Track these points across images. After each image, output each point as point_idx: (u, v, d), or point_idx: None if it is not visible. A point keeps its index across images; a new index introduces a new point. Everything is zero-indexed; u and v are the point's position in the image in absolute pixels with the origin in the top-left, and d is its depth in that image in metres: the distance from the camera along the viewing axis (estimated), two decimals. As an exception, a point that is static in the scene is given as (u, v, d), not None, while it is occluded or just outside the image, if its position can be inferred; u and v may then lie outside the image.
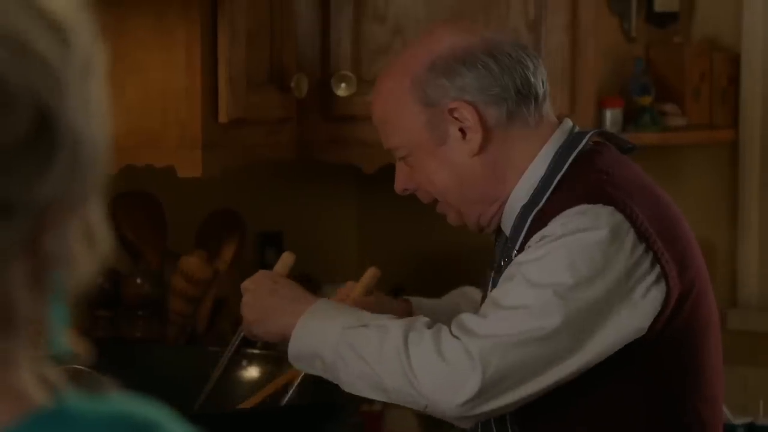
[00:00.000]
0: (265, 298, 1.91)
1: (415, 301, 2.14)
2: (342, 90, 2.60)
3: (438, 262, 3.18)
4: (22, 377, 0.76)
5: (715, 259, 3.18)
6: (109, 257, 0.77)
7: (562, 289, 1.73)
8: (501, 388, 1.73)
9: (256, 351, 2.23)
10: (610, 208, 1.76)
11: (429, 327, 1.78)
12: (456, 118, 1.86)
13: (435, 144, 1.88)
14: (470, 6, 2.65)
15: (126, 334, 2.56)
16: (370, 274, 2.07)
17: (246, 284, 1.95)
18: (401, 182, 1.96)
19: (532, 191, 1.84)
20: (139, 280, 2.58)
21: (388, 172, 2.70)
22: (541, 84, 1.88)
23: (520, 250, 1.82)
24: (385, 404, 2.75)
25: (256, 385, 2.15)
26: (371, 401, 2.67)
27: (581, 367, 1.75)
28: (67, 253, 0.76)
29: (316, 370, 1.83)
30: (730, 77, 3.13)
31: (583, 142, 1.87)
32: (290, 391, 2.06)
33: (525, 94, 1.86)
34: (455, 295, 2.18)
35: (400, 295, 3.13)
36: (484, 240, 3.04)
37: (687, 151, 3.18)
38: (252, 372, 2.20)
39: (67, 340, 0.77)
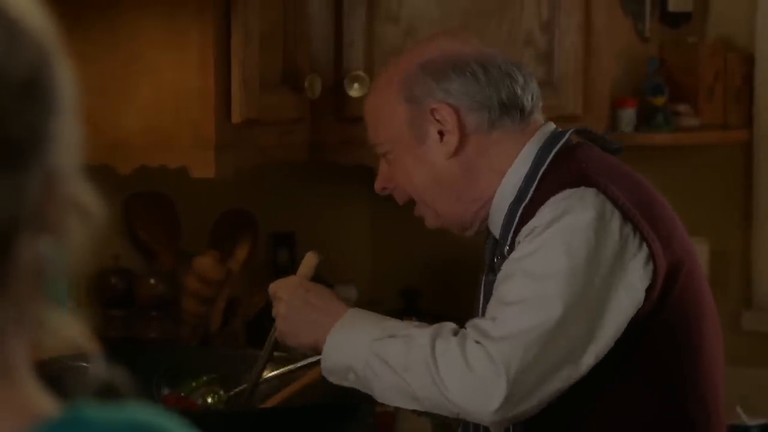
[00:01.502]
0: (298, 310, 1.91)
1: None
2: (355, 91, 2.60)
3: (450, 263, 3.18)
4: (26, 385, 0.75)
5: (729, 260, 3.17)
6: (105, 232, 0.78)
7: (562, 277, 1.74)
8: (527, 389, 1.73)
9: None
10: (592, 190, 1.78)
11: (455, 333, 1.78)
12: (437, 120, 1.89)
13: (415, 142, 1.91)
14: (484, 7, 2.65)
15: (139, 334, 2.56)
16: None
17: (278, 292, 1.94)
18: (381, 181, 1.98)
19: (516, 190, 1.86)
20: (152, 281, 2.59)
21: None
22: (529, 98, 1.90)
23: (512, 245, 1.83)
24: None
25: (263, 385, 2.16)
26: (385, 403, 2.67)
27: (598, 354, 1.75)
28: (65, 225, 0.77)
29: (350, 383, 1.84)
30: (744, 77, 3.12)
31: (564, 138, 1.89)
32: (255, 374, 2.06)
33: (509, 106, 1.89)
34: None
35: (412, 296, 3.14)
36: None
37: (700, 152, 3.18)
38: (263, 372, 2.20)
39: (66, 317, 0.77)
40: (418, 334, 1.79)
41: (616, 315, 1.76)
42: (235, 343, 2.61)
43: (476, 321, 1.78)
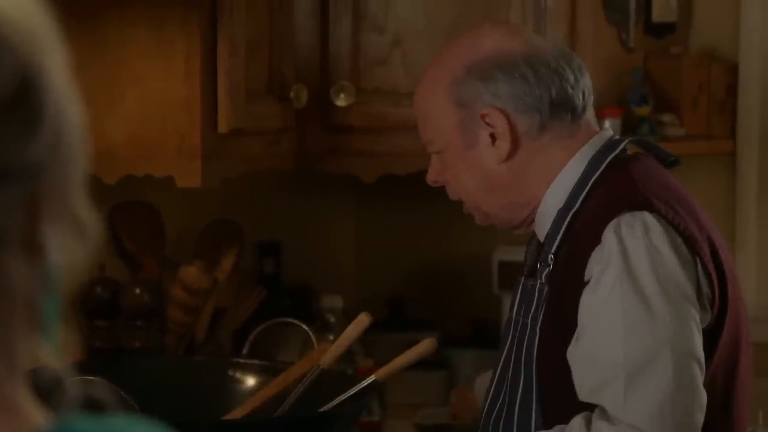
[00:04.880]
0: None
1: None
2: (341, 100, 2.60)
3: (436, 272, 3.18)
4: (20, 395, 0.75)
5: (713, 270, 3.18)
6: (99, 248, 0.77)
7: (652, 322, 1.73)
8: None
9: (247, 361, 2.24)
10: (654, 215, 1.76)
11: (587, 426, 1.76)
12: (487, 123, 1.87)
13: (465, 146, 1.89)
14: (470, 17, 2.65)
15: (125, 344, 2.56)
16: (361, 321, 2.09)
17: None
18: (433, 174, 1.96)
19: (566, 196, 1.84)
20: (137, 290, 2.58)
21: (386, 182, 2.70)
22: (580, 97, 1.87)
23: (556, 253, 1.82)
24: (383, 413, 2.76)
25: (248, 394, 2.16)
26: (370, 411, 2.68)
27: (702, 373, 1.76)
28: (60, 243, 0.75)
29: None
30: (728, 88, 3.13)
31: (620, 147, 1.87)
32: (288, 402, 2.07)
33: (560, 107, 1.86)
34: None
35: (397, 305, 3.13)
36: (482, 251, 3.04)
37: (685, 162, 3.18)
38: (248, 382, 2.20)
39: (57, 336, 0.77)
40: None
41: (699, 337, 1.76)
42: (221, 353, 2.60)
43: (598, 414, 1.74)
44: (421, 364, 2.17)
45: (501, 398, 1.91)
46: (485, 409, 1.95)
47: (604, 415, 1.74)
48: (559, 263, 1.83)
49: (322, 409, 2.01)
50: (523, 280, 1.92)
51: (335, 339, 2.24)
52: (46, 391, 0.77)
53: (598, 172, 1.84)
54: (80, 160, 0.77)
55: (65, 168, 0.76)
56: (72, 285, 0.77)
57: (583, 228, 1.81)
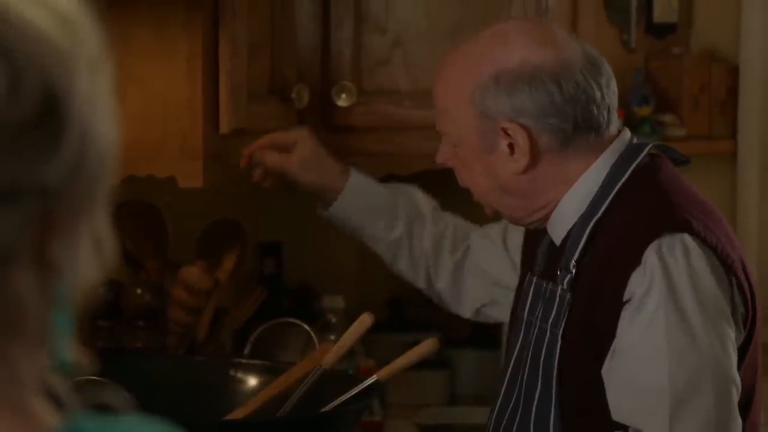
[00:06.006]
0: None
1: (356, 176, 2.20)
2: (342, 100, 2.61)
3: (437, 272, 3.18)
4: (30, 397, 0.75)
5: (714, 270, 3.18)
6: (113, 267, 0.77)
7: (695, 348, 1.73)
8: None
9: (249, 361, 2.24)
10: (688, 237, 1.76)
11: None
12: (508, 134, 1.84)
13: (483, 151, 1.87)
14: (471, 18, 2.65)
15: (126, 344, 2.56)
16: (363, 321, 2.10)
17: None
18: (442, 157, 1.94)
19: (587, 202, 1.83)
20: (139, 291, 2.58)
21: (387, 182, 2.70)
22: (605, 114, 1.84)
23: (579, 261, 1.81)
24: (384, 414, 2.76)
25: (250, 395, 2.16)
26: (371, 411, 2.68)
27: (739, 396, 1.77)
28: (74, 260, 0.75)
29: None
30: (728, 88, 3.14)
31: (642, 154, 1.85)
32: (290, 402, 2.07)
33: (584, 126, 1.83)
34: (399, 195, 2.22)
35: (398, 305, 3.14)
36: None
37: (686, 162, 3.19)
38: (249, 382, 2.20)
39: (71, 349, 0.77)
40: None
41: (735, 358, 1.77)
42: (222, 353, 2.60)
43: None
44: (421, 364, 2.17)
45: (513, 401, 1.90)
46: (496, 408, 1.94)
47: None
48: (586, 273, 1.81)
49: (323, 410, 2.01)
50: (535, 280, 1.90)
51: (336, 339, 2.24)
52: (57, 393, 0.77)
53: (623, 180, 1.83)
54: (105, 180, 0.76)
55: (86, 188, 0.75)
56: (84, 300, 0.77)
57: (618, 243, 1.78)
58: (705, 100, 3.10)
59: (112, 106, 0.77)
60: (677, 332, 1.73)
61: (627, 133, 1.89)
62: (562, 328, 1.82)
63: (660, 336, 1.73)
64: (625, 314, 1.75)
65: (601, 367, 1.78)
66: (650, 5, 3.10)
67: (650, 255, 1.74)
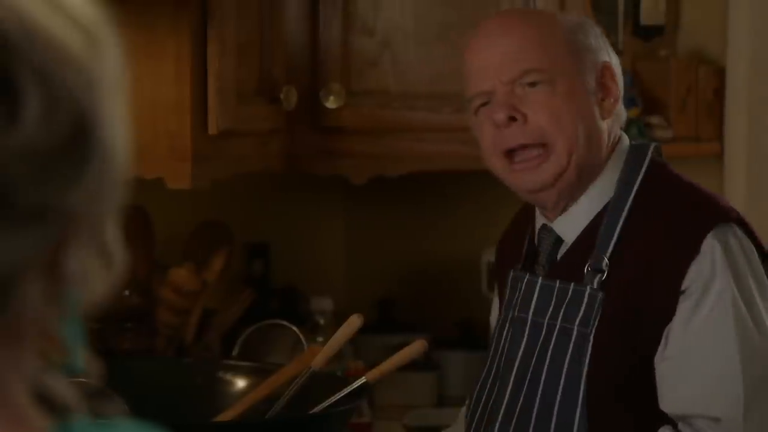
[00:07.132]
0: None
1: None
2: (331, 102, 2.61)
3: (425, 274, 3.19)
4: (22, 401, 0.75)
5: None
6: (121, 277, 0.77)
7: (762, 336, 1.76)
8: None
9: (237, 362, 2.24)
10: (735, 226, 1.81)
11: None
12: (603, 76, 1.89)
13: (580, 86, 1.87)
14: (459, 19, 2.66)
15: (114, 346, 2.56)
16: (352, 322, 2.09)
17: None
18: (509, 109, 1.84)
19: (601, 202, 1.85)
20: (127, 292, 2.58)
21: (376, 183, 2.71)
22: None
23: (612, 256, 1.81)
24: (373, 415, 2.76)
25: (239, 396, 2.16)
26: (360, 413, 2.68)
27: None
28: (85, 273, 0.75)
29: None
30: (715, 90, 3.15)
31: (649, 153, 1.91)
32: (279, 404, 2.07)
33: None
34: None
35: (387, 307, 3.14)
36: (471, 252, 3.05)
37: (673, 164, 3.19)
38: (238, 384, 2.20)
39: (82, 358, 0.77)
40: None
41: None
42: (210, 355, 2.60)
43: (707, 422, 1.75)
44: (410, 366, 2.17)
45: (521, 405, 1.86)
46: (477, 413, 1.94)
47: (711, 427, 1.75)
48: (618, 271, 1.81)
49: (312, 411, 2.01)
50: (540, 280, 1.88)
51: (325, 341, 2.24)
52: (52, 398, 0.77)
53: (639, 180, 1.86)
54: (119, 197, 0.76)
55: (102, 207, 0.75)
56: (92, 311, 0.77)
57: (665, 237, 1.79)
58: (692, 101, 3.11)
59: (127, 121, 0.77)
60: (745, 317, 1.76)
61: (625, 135, 1.93)
62: (594, 327, 1.81)
63: (728, 322, 1.75)
64: (687, 303, 1.77)
65: (638, 360, 1.79)
66: (637, 7, 3.11)
67: (710, 244, 1.77)
